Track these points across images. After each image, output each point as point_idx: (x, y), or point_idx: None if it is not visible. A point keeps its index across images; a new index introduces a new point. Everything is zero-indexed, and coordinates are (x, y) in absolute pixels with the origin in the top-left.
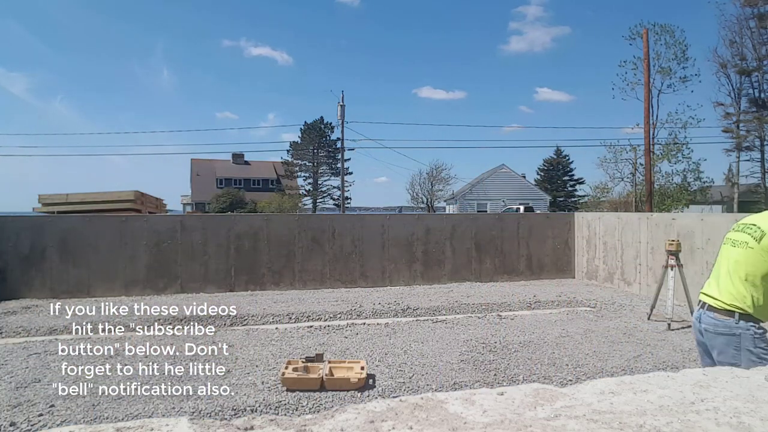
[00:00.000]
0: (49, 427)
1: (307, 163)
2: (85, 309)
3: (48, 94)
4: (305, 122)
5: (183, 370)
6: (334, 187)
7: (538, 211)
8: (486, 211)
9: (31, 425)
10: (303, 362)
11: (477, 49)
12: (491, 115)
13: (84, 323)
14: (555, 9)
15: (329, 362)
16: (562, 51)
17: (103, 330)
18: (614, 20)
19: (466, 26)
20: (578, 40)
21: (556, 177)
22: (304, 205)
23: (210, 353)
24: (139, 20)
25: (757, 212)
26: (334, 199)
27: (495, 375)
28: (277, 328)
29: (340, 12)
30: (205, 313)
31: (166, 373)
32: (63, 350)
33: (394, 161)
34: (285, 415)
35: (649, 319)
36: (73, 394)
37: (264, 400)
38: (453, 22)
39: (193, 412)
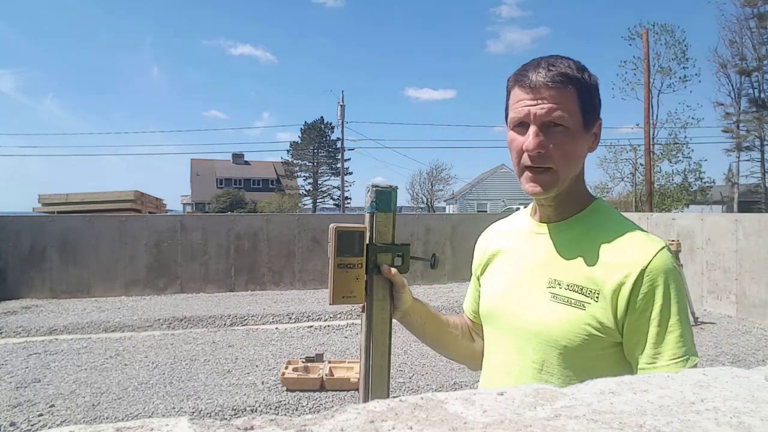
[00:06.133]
0: (49, 427)
1: (307, 163)
2: (85, 309)
3: (38, 92)
4: (305, 122)
5: (183, 370)
6: (334, 187)
7: None
8: (486, 211)
9: (31, 425)
10: (303, 362)
11: (466, 49)
12: (486, 114)
13: (84, 323)
14: (533, 9)
15: (329, 362)
16: (550, 51)
17: (103, 330)
18: (608, 20)
19: (454, 26)
20: (569, 40)
21: None
22: (304, 205)
23: (210, 353)
24: (129, 18)
25: (757, 212)
26: (334, 199)
27: None
28: (277, 328)
29: (329, 14)
30: (205, 313)
31: (166, 373)
32: (63, 350)
33: (394, 161)
34: (285, 415)
35: None
36: (73, 394)
37: (264, 400)
38: (440, 22)
39: (193, 412)
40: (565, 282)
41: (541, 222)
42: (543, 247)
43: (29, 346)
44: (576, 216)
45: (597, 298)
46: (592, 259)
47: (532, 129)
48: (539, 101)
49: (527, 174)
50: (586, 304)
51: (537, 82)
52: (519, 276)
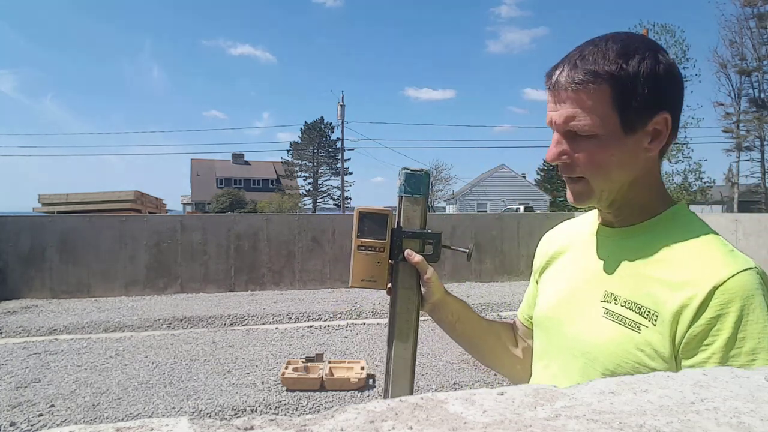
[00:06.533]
0: (49, 427)
1: (307, 163)
2: (85, 309)
3: (38, 92)
4: (305, 122)
5: (183, 370)
6: (334, 187)
7: (538, 211)
8: (486, 211)
9: (31, 425)
10: (303, 362)
11: (466, 49)
12: (485, 115)
13: (84, 323)
14: (533, 9)
15: (329, 362)
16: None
17: (103, 330)
18: (608, 20)
19: (454, 26)
20: (569, 40)
21: (556, 177)
22: (304, 205)
23: (210, 353)
24: (129, 19)
25: (757, 212)
26: (334, 199)
27: (495, 375)
28: (277, 328)
29: (328, 14)
30: (205, 313)
31: (166, 373)
32: (63, 350)
33: (394, 161)
34: (285, 415)
35: None
36: (73, 394)
37: (264, 400)
38: (440, 22)
39: (193, 412)
40: (622, 298)
41: (603, 226)
42: (603, 255)
43: (29, 346)
44: (645, 223)
45: (655, 321)
46: (656, 275)
47: (554, 137)
48: (558, 106)
49: (566, 181)
50: (641, 327)
51: (557, 83)
52: (575, 284)
